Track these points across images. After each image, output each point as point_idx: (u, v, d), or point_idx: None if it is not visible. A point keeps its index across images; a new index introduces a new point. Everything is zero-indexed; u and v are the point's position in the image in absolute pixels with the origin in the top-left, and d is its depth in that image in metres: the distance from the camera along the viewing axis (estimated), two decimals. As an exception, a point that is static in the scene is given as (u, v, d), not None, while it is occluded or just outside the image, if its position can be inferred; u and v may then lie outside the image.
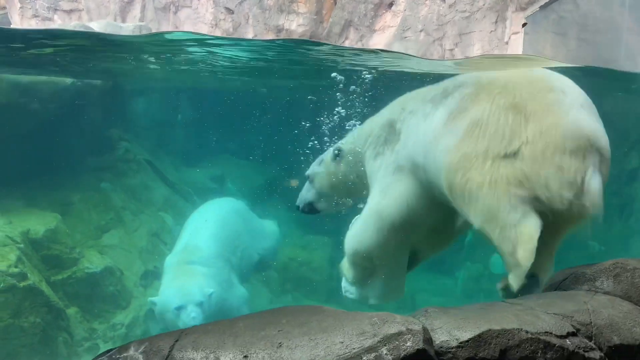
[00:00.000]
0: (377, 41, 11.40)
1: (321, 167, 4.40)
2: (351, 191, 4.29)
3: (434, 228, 3.84)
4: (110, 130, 7.37)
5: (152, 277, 6.49)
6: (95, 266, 5.94)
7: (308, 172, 4.53)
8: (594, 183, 2.77)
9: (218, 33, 12.99)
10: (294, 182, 5.53)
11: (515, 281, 2.96)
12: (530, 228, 2.84)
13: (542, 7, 8.82)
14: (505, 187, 2.87)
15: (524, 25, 7.97)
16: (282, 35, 11.97)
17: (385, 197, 3.65)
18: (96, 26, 10.93)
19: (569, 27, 8.56)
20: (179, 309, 5.48)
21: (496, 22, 10.24)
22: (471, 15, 10.28)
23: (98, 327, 5.75)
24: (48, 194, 6.23)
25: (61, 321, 5.48)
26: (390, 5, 11.12)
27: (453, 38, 10.38)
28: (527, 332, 2.30)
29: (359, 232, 3.90)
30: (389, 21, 11.30)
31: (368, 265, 3.96)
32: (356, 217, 4.03)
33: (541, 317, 2.44)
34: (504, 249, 2.95)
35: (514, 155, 2.87)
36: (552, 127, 2.84)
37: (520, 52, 9.51)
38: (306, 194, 4.57)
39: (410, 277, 9.14)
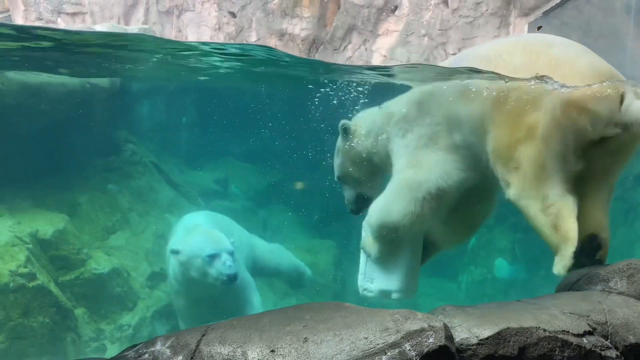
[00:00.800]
0: (381, 45, 11.45)
1: (339, 157, 4.39)
2: (376, 167, 4.22)
3: (459, 215, 3.88)
4: (117, 132, 7.41)
5: (158, 278, 6.50)
6: (103, 267, 5.96)
7: (335, 174, 4.50)
8: (635, 103, 2.88)
9: (221, 36, 13.04)
10: (299, 185, 5.53)
11: (563, 262, 3.03)
12: (572, 203, 2.98)
13: (545, 13, 8.87)
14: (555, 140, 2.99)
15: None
16: (285, 39, 12.03)
17: (421, 169, 3.66)
18: (100, 29, 10.98)
19: (572, 32, 8.60)
20: (212, 257, 5.31)
21: (499, 27, 10.31)
22: (474, 20, 10.34)
23: (105, 327, 5.76)
24: (56, 194, 6.25)
25: (69, 321, 5.49)
26: (394, 9, 11.19)
27: (456, 43, 10.44)
28: (544, 330, 2.33)
29: (388, 203, 3.85)
30: (393, 25, 11.35)
31: (394, 239, 3.94)
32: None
33: (558, 316, 2.47)
34: (545, 224, 3.03)
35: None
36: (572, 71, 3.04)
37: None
38: (347, 194, 4.53)
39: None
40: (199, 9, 12.82)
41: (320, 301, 2.21)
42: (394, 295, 4.19)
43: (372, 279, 4.23)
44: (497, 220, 8.26)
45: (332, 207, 5.93)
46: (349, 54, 11.90)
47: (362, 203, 4.40)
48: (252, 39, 12.43)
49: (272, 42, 12.27)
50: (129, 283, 6.18)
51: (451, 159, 3.59)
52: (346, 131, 4.22)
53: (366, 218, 4.07)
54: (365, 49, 11.67)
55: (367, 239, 4.12)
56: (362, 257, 4.29)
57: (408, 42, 11.33)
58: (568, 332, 2.37)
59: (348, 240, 8.85)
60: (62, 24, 12.79)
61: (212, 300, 5.51)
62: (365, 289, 4.27)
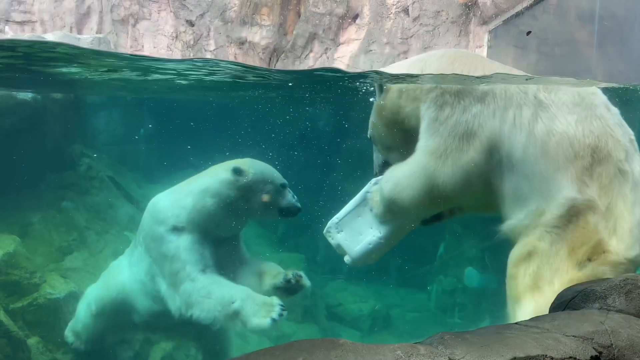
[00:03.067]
0: (342, 53, 11.38)
1: (372, 115, 4.19)
2: (406, 133, 3.99)
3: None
4: (72, 146, 7.00)
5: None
6: (58, 291, 5.55)
7: (368, 132, 4.31)
8: None
9: (178, 45, 12.70)
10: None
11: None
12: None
13: (504, 22, 8.94)
14: None
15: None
16: (245, 48, 11.80)
17: (446, 163, 3.49)
18: (52, 38, 10.48)
19: (529, 40, 8.68)
20: (284, 186, 5.16)
21: (459, 35, 10.36)
22: (435, 29, 10.37)
23: (62, 357, 5.36)
24: (5, 214, 5.81)
25: (22, 352, 5.08)
26: (355, 18, 11.12)
27: (418, 51, 10.44)
28: (552, 358, 2.17)
29: (403, 182, 3.75)
30: (354, 34, 11.29)
31: (397, 211, 3.90)
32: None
33: (562, 341, 2.32)
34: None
35: None
36: None
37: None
38: (375, 157, 4.38)
39: (383, 293, 9.05)
40: (155, 17, 12.45)
41: (311, 338, 1.98)
42: (345, 258, 4.16)
43: (341, 229, 4.18)
44: (467, 230, 8.20)
45: (299, 219, 5.71)
46: (311, 63, 11.77)
47: (387, 165, 4.26)
48: (211, 47, 12.15)
49: (232, 51, 12.03)
50: (87, 307, 5.77)
51: (481, 166, 3.43)
52: (380, 88, 4.07)
53: (382, 179, 3.98)
54: (327, 57, 11.56)
55: (376, 197, 4.04)
56: (350, 204, 4.22)
57: (370, 51, 11.28)
58: (575, 358, 2.22)
59: (316, 252, 8.63)
60: (9, 32, 12.20)
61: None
62: (329, 232, 4.20)
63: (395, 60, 10.65)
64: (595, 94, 3.37)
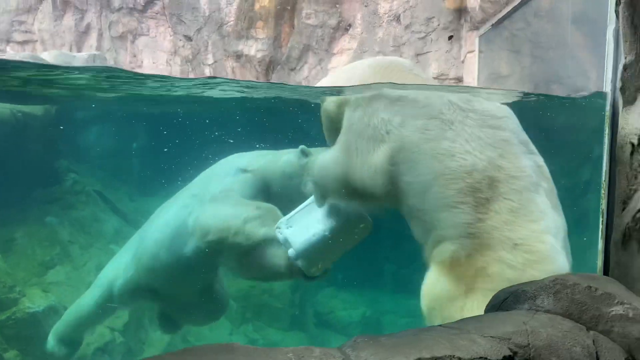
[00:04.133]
0: (336, 64, 11.43)
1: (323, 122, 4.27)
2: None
3: None
4: (57, 161, 7.11)
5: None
6: (37, 305, 5.62)
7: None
8: None
9: (177, 60, 12.90)
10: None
11: None
12: None
13: (493, 26, 8.90)
14: None
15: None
16: (242, 61, 11.92)
17: (356, 161, 3.50)
18: (47, 56, 10.69)
19: (522, 44, 8.62)
20: None
21: (451, 42, 10.34)
22: (426, 35, 10.36)
23: (40, 370, 5.42)
24: (-12, 231, 5.93)
25: (-1, 366, 5.15)
26: (348, 28, 11.18)
27: (410, 59, 10.42)
28: (459, 358, 2.15)
29: (325, 168, 3.85)
30: (347, 44, 11.34)
31: (325, 196, 3.99)
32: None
33: (477, 341, 2.30)
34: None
35: None
36: None
37: (476, 71, 9.56)
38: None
39: (378, 300, 8.97)
40: (154, 33, 12.66)
41: (218, 343, 1.99)
42: (289, 252, 4.17)
43: (291, 225, 4.24)
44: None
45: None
46: (306, 74, 11.84)
47: None
48: (209, 61, 12.31)
49: (229, 64, 12.16)
50: (68, 320, 5.83)
51: (383, 168, 3.35)
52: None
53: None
54: (321, 68, 11.62)
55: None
56: (305, 202, 4.30)
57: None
58: (486, 358, 2.20)
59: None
60: (10, 51, 12.48)
61: None
62: (279, 228, 4.28)
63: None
64: (508, 118, 3.29)
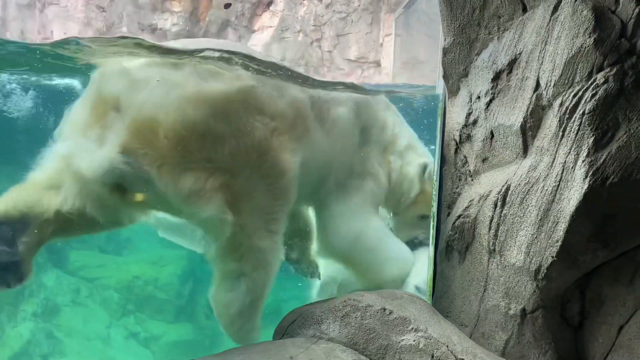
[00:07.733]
0: (256, 41, 10.99)
1: None
2: None
3: None
4: None
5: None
6: None
7: None
8: None
9: (90, 32, 12.20)
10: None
11: None
12: None
13: (405, 7, 8.63)
14: None
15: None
16: (158, 34, 11.31)
17: None
18: None
19: (436, 24, 8.35)
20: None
21: (371, 23, 10.04)
22: (347, 16, 10.03)
23: None
24: None
25: None
26: (269, 4, 10.73)
27: (330, 40, 10.10)
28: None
29: None
30: (268, 21, 10.91)
31: None
32: None
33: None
34: None
35: None
36: None
37: (392, 55, 9.32)
38: None
39: (285, 286, 8.68)
40: (65, 2, 11.89)
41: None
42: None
43: None
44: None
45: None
46: (224, 51, 11.33)
47: None
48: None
49: (145, 38, 11.53)
50: None
51: None
52: None
53: None
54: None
55: None
56: None
57: (283, 39, 10.91)
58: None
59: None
60: None
61: None
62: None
63: (308, 49, 10.33)
64: None
